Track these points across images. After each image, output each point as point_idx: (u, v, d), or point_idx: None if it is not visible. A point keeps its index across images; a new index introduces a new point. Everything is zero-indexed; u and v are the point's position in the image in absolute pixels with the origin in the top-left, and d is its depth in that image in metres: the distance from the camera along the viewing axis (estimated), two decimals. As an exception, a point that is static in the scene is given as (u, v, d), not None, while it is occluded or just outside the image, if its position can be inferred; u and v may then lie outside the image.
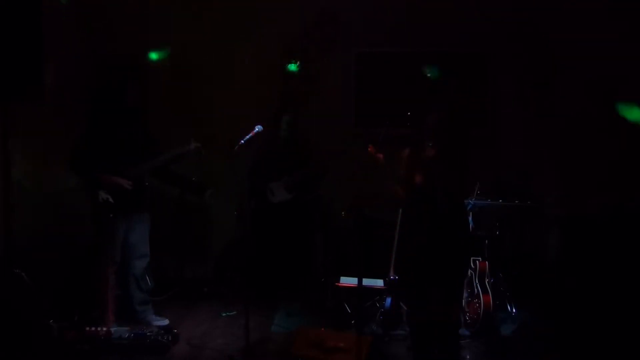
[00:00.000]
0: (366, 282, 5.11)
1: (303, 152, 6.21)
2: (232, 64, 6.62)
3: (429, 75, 6.50)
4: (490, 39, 6.58)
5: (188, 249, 6.55)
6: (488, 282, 5.25)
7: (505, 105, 6.63)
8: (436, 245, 4.12)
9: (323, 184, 6.24)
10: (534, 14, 6.37)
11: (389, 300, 5.15)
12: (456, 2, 6.52)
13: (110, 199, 4.99)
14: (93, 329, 4.59)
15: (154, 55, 6.61)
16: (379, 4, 6.48)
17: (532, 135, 6.49)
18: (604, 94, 6.19)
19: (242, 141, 4.65)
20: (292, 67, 6.48)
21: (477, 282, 5.23)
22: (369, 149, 4.57)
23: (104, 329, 4.60)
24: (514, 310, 5.60)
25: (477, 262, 5.27)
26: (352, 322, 5.30)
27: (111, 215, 5.00)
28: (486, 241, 5.47)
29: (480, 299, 5.14)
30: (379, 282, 5.42)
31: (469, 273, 5.21)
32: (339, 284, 5.69)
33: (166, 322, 5.32)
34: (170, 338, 4.66)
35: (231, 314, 5.60)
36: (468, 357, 4.81)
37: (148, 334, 4.64)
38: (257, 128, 4.72)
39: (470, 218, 5.22)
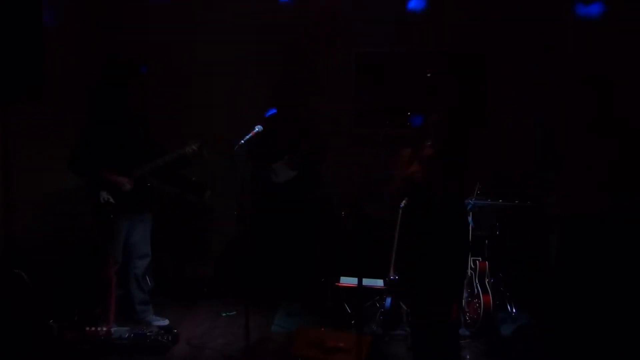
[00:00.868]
0: (366, 282, 5.09)
1: (303, 129, 6.17)
2: (233, 64, 6.62)
3: (428, 75, 6.49)
4: (490, 39, 6.58)
5: (188, 249, 6.55)
6: (488, 282, 5.25)
7: (505, 105, 6.64)
8: (436, 245, 4.12)
9: (324, 180, 6.23)
10: (534, 14, 6.37)
11: (389, 300, 5.14)
12: (456, 2, 6.52)
13: (112, 200, 4.99)
14: (93, 329, 4.59)
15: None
16: (379, 4, 6.48)
17: (532, 135, 6.49)
18: (604, 94, 6.17)
19: (242, 141, 4.66)
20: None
21: (477, 282, 5.22)
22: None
23: (104, 329, 4.60)
24: (514, 310, 5.60)
25: (477, 262, 5.27)
26: (352, 322, 5.29)
27: (112, 216, 5.00)
28: (486, 241, 5.47)
29: (480, 299, 5.14)
30: (379, 282, 5.41)
31: (469, 273, 5.20)
32: (339, 284, 5.68)
33: (166, 322, 5.32)
34: (170, 338, 4.66)
35: (231, 314, 5.60)
36: (468, 357, 4.81)
37: (148, 334, 4.64)
38: (257, 128, 4.73)
39: (470, 218, 5.21)
